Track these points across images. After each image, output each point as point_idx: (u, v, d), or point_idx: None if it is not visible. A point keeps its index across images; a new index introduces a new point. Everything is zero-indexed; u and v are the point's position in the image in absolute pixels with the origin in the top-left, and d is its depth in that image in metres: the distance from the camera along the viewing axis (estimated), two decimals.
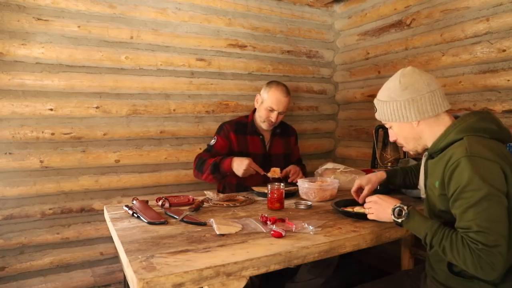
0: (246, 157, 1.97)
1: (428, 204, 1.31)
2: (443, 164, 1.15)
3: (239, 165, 1.93)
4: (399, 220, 1.22)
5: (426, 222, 1.17)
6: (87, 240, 2.40)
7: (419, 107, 1.21)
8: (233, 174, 2.09)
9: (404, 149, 1.37)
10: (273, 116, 2.16)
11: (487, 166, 1.06)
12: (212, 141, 2.20)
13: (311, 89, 3.15)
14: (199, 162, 2.09)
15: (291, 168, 2.08)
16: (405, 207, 1.22)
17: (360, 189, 1.65)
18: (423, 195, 1.36)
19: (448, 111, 1.25)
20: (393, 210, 1.24)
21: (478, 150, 1.08)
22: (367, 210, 1.37)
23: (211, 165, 2.01)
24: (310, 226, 1.33)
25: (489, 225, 1.02)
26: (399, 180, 1.67)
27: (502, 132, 1.18)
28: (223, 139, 2.18)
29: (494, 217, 1.03)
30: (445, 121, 1.23)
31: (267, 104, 2.15)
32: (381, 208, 1.30)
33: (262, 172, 1.96)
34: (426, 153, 1.33)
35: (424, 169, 1.34)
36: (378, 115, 1.34)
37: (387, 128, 2.19)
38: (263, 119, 2.18)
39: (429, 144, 1.26)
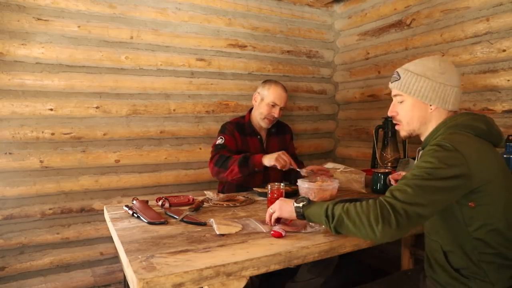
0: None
1: None
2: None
3: (272, 154, 1.91)
4: (300, 205, 1.24)
5: (326, 202, 1.21)
6: (87, 240, 2.40)
7: (445, 96, 1.22)
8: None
9: (398, 127, 1.35)
10: (276, 112, 2.17)
11: (450, 154, 1.08)
12: (220, 140, 2.15)
13: (311, 89, 3.15)
14: (221, 159, 2.03)
15: (315, 168, 2.06)
16: (305, 198, 1.27)
17: None
18: None
19: (454, 112, 1.28)
20: (295, 200, 1.27)
21: (448, 139, 1.11)
22: (270, 211, 1.34)
23: (239, 158, 1.96)
24: (319, 224, 1.33)
25: (413, 186, 1.05)
26: None
27: (490, 132, 1.19)
28: (230, 137, 2.16)
29: (422, 185, 1.05)
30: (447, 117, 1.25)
31: (270, 100, 2.15)
32: (283, 203, 1.31)
33: (295, 166, 1.91)
34: (420, 148, 1.35)
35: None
36: (398, 84, 1.29)
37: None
38: (264, 115, 2.18)
39: (425, 134, 1.29)
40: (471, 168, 1.07)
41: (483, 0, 2.08)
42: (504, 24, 1.99)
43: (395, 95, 1.33)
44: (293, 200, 1.28)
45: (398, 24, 2.65)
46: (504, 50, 2.00)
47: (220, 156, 2.05)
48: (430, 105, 1.24)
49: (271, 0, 2.90)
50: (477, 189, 1.09)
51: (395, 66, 2.68)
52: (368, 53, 2.92)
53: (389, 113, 1.36)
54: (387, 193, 1.10)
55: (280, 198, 1.39)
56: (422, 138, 1.31)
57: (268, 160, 1.92)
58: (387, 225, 1.01)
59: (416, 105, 1.26)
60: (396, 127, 1.36)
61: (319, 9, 3.15)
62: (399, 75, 1.29)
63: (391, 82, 1.32)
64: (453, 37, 2.26)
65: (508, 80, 2.00)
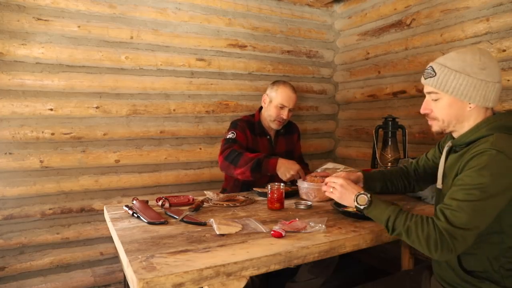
0: (293, 161, 1.91)
1: (441, 197, 1.27)
2: (465, 159, 1.12)
3: (288, 169, 1.86)
4: (361, 207, 1.25)
5: (388, 206, 1.20)
6: (87, 240, 2.40)
7: (487, 93, 1.13)
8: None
9: (431, 122, 1.27)
10: (284, 113, 2.14)
11: (505, 164, 1.03)
12: (231, 135, 2.10)
13: (311, 89, 3.15)
14: (233, 154, 1.97)
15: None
16: (368, 195, 1.25)
17: None
18: (439, 186, 1.32)
19: (492, 109, 1.22)
20: (356, 196, 1.27)
21: (503, 147, 1.05)
22: (331, 189, 1.37)
23: (253, 161, 1.88)
24: (320, 224, 1.34)
25: (468, 211, 1.03)
26: (379, 184, 1.60)
27: None
28: (241, 133, 2.12)
29: (478, 209, 1.03)
30: (487, 116, 1.18)
31: (278, 102, 2.13)
32: (346, 193, 1.32)
33: (305, 178, 1.86)
34: (449, 143, 1.29)
35: (445, 161, 1.30)
36: (433, 81, 1.18)
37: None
38: (273, 118, 2.16)
39: (461, 131, 1.21)
40: None
41: (483, 0, 2.08)
42: (504, 24, 1.99)
43: (429, 92, 1.22)
44: (355, 192, 1.28)
45: (398, 24, 2.65)
46: (504, 50, 2.00)
47: (232, 151, 1.99)
48: (469, 103, 1.16)
49: (271, 0, 2.90)
50: None
51: (395, 66, 2.68)
52: (368, 53, 2.92)
53: (422, 111, 1.26)
54: (441, 216, 1.07)
55: (342, 183, 1.34)
56: (456, 135, 1.24)
57: (282, 173, 1.87)
58: (446, 251, 1.05)
59: (454, 103, 1.17)
60: (429, 123, 1.28)
61: (319, 9, 3.15)
62: (434, 71, 1.18)
63: (425, 78, 1.22)
64: (453, 37, 2.26)
65: (508, 80, 2.00)
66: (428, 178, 1.56)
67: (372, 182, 1.60)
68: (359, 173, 1.60)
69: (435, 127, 1.25)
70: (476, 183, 1.04)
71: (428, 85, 1.21)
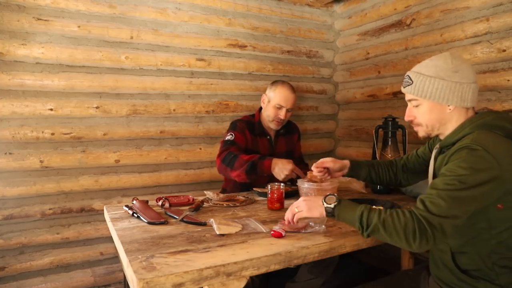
0: (288, 160, 1.89)
1: None
2: (448, 155, 1.15)
3: (281, 169, 1.84)
4: (332, 205, 1.21)
5: (359, 204, 1.18)
6: (87, 240, 2.40)
7: (463, 94, 1.18)
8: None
9: (416, 128, 1.31)
10: (282, 114, 2.14)
11: (484, 159, 1.05)
12: (229, 136, 2.10)
13: (311, 89, 3.15)
14: (229, 156, 1.97)
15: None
16: (335, 194, 1.24)
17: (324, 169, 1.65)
18: None
19: (473, 108, 1.25)
20: (324, 198, 1.24)
21: (483, 142, 1.07)
22: (296, 210, 1.28)
23: (248, 164, 1.88)
24: (320, 224, 1.33)
25: (446, 199, 1.04)
26: (364, 172, 1.65)
27: None
28: (240, 134, 2.12)
29: (457, 197, 1.04)
30: (469, 116, 1.22)
31: (275, 102, 2.13)
32: (311, 202, 1.27)
33: (304, 176, 1.83)
34: (437, 145, 1.33)
35: (434, 163, 1.33)
36: (412, 89, 1.25)
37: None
38: (271, 118, 2.16)
39: (446, 133, 1.26)
40: (504, 169, 1.05)
41: (483, 0, 2.08)
42: (504, 24, 1.99)
43: (409, 100, 1.29)
44: (321, 198, 1.25)
45: (398, 24, 2.65)
46: (504, 50, 2.00)
47: (228, 153, 1.99)
48: (448, 106, 1.21)
49: (271, 0, 2.90)
50: (508, 190, 1.07)
51: (395, 66, 2.68)
52: (368, 53, 2.92)
53: (406, 118, 1.31)
54: (420, 205, 1.07)
55: (304, 198, 1.31)
56: (442, 137, 1.28)
57: (277, 173, 1.85)
58: (424, 241, 1.03)
59: (434, 107, 1.23)
60: (415, 129, 1.33)
61: (319, 9, 3.15)
62: (411, 79, 1.25)
63: (404, 87, 1.28)
64: (453, 37, 2.26)
65: (508, 80, 2.00)
66: (416, 173, 1.62)
67: (357, 170, 1.65)
68: (346, 161, 1.65)
69: (421, 132, 1.31)
70: (456, 174, 1.06)
71: (407, 93, 1.28)
